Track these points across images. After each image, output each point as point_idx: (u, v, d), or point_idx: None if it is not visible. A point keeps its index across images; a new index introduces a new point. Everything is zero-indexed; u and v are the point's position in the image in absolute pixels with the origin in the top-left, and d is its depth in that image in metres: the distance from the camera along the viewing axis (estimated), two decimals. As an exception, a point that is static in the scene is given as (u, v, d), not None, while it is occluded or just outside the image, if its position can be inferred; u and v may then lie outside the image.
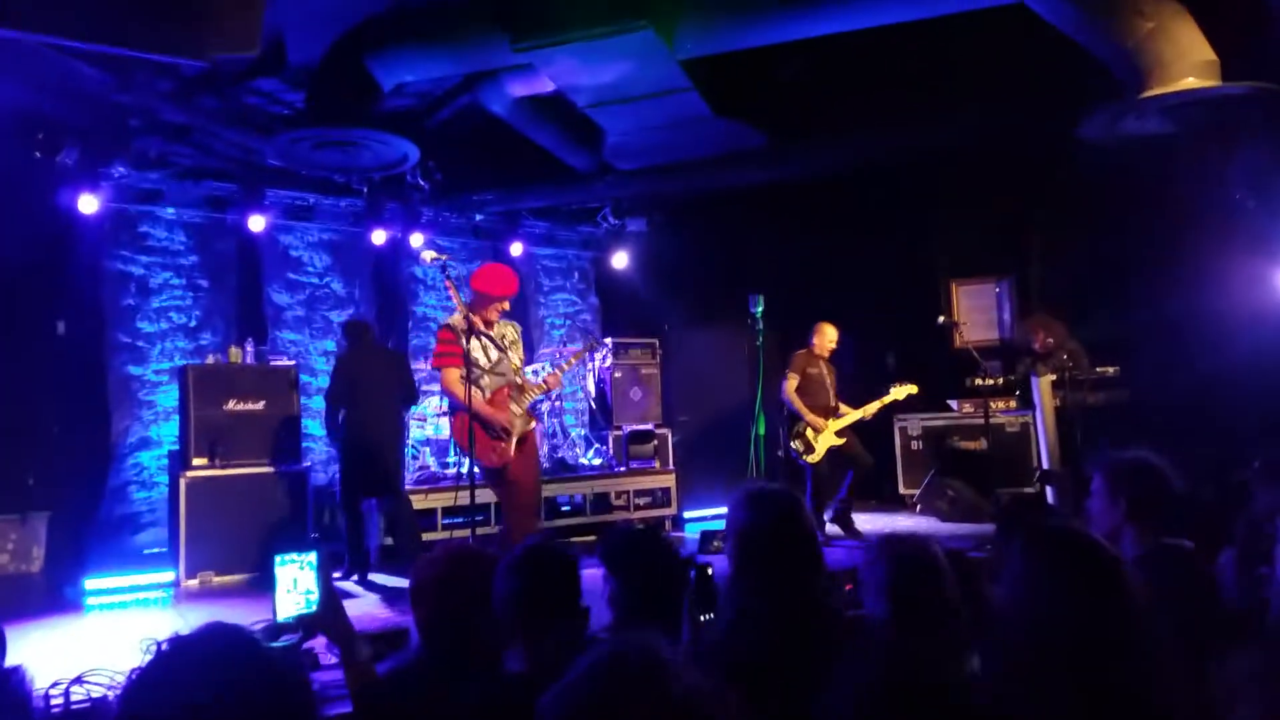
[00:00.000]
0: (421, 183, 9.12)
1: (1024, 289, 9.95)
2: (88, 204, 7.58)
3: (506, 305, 6.07)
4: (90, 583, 6.58)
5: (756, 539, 2.57)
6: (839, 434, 7.83)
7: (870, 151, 8.81)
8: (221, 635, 1.54)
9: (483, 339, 5.94)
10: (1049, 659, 1.90)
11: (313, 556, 4.86)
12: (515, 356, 6.13)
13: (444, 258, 5.80)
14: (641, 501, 8.84)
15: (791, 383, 7.89)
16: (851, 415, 7.88)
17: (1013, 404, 8.50)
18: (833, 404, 7.94)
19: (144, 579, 6.81)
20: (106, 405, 8.25)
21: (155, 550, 7.81)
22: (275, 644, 4.18)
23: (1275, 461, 3.65)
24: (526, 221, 10.73)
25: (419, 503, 7.53)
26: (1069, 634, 1.90)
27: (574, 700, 1.33)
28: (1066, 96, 6.87)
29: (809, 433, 7.77)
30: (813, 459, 7.77)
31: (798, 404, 7.83)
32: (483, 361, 5.92)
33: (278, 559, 4.81)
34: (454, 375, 5.80)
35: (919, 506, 8.99)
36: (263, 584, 5.69)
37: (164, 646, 1.51)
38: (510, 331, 6.17)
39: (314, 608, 2.12)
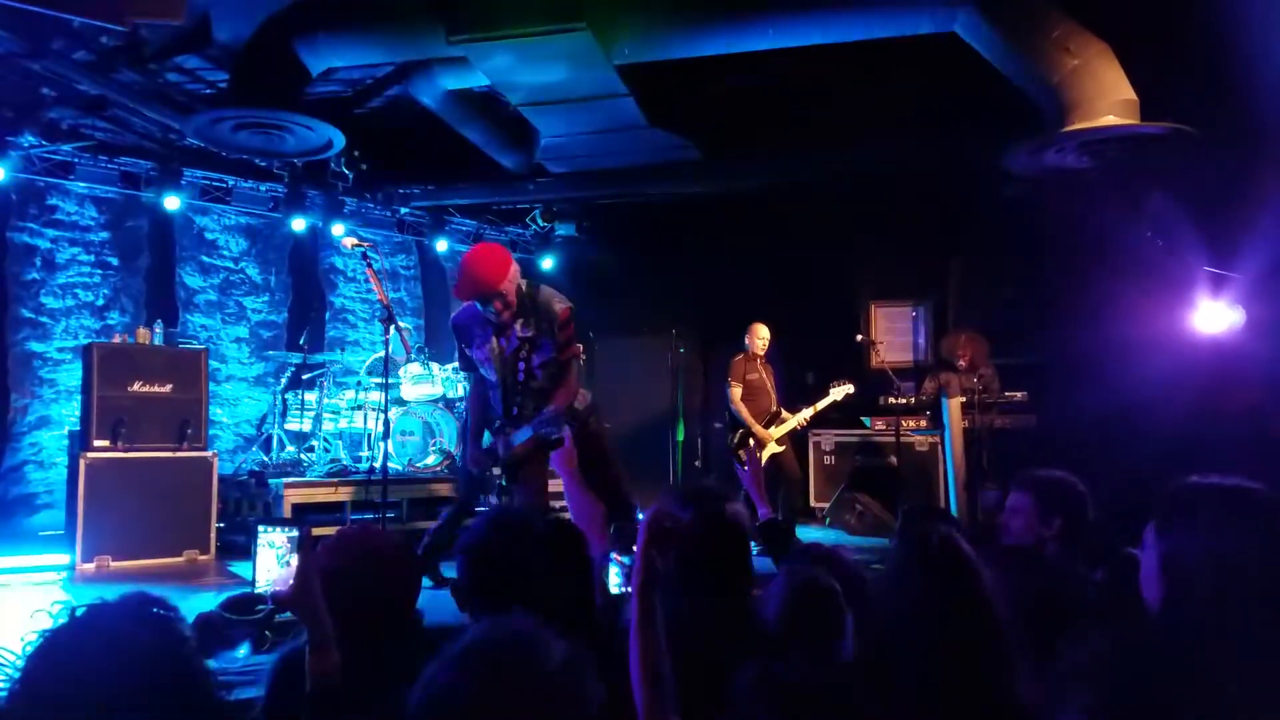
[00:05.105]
0: (346, 171, 8.96)
1: (941, 314, 10.16)
2: (-7, 172, 7.32)
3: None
4: (-19, 562, 6.31)
5: (688, 539, 2.52)
6: (779, 441, 7.75)
7: (800, 172, 8.93)
8: (137, 608, 1.52)
9: None
10: (909, 646, 1.97)
11: (294, 531, 4.88)
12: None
13: (366, 244, 5.65)
14: (559, 504, 8.75)
15: (736, 390, 7.71)
16: (791, 420, 7.79)
17: (924, 423, 8.64)
18: (775, 407, 7.82)
19: (39, 560, 6.53)
20: (5, 381, 7.98)
21: (52, 532, 7.52)
22: (250, 616, 4.21)
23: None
24: (454, 219, 10.62)
25: (329, 496, 7.38)
26: (924, 623, 1.97)
27: (448, 683, 1.30)
28: (992, 129, 7.02)
29: (752, 442, 7.66)
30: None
31: (744, 413, 7.66)
32: None
33: (261, 528, 4.83)
34: None
35: (828, 519, 9.09)
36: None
37: (79, 612, 1.50)
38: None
39: (290, 583, 2.06)
